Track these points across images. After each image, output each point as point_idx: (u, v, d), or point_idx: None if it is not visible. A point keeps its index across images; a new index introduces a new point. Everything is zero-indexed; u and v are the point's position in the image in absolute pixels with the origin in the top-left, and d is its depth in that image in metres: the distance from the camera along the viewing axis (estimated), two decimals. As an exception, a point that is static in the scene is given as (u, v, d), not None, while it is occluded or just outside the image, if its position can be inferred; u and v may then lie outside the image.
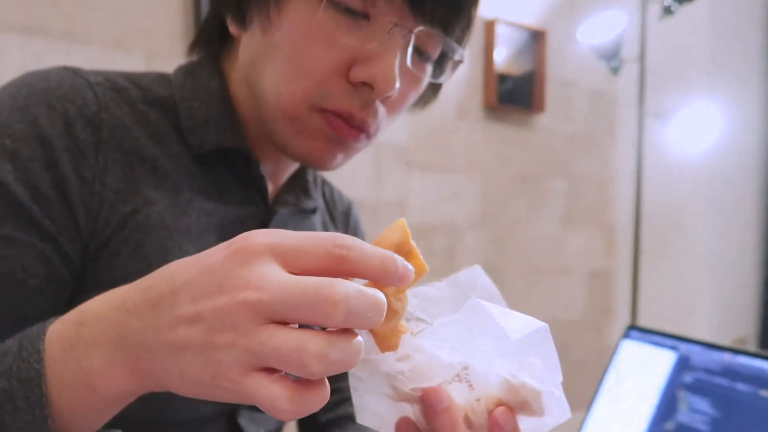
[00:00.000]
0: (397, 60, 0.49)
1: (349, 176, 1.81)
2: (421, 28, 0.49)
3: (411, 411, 0.37)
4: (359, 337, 0.29)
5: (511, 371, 0.34)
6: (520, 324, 0.32)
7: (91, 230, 0.48)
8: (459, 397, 0.35)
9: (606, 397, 0.90)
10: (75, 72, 0.50)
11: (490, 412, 0.35)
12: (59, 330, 0.34)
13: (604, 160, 2.41)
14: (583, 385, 2.11)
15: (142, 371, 0.31)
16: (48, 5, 1.38)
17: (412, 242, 0.33)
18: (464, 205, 2.06)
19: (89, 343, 0.32)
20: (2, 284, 0.44)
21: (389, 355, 0.33)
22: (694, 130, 1.97)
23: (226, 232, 0.54)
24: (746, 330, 2.31)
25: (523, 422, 0.35)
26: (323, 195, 0.71)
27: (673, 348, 0.85)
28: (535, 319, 0.32)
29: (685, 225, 2.22)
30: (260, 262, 0.28)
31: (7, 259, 0.44)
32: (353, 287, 0.28)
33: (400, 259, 0.30)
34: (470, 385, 0.34)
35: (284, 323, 0.28)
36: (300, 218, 0.63)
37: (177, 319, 0.29)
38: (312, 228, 0.65)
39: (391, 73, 0.48)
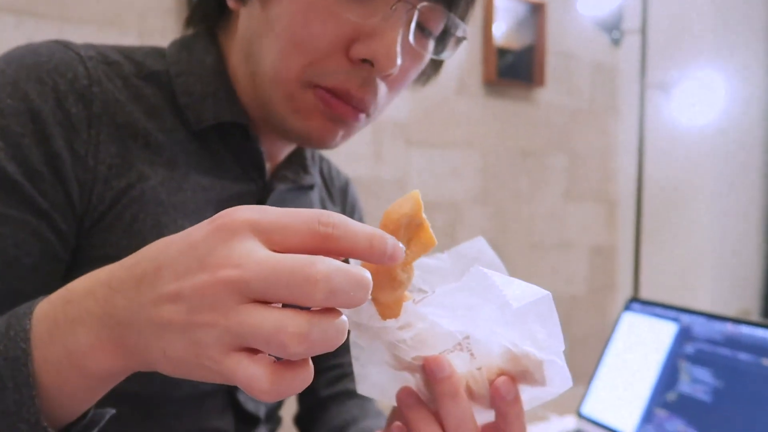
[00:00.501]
0: (399, 36, 0.47)
1: (349, 154, 1.80)
2: (424, 3, 0.48)
3: (412, 381, 0.37)
4: (343, 317, 0.28)
5: (513, 340, 0.33)
6: (523, 292, 0.31)
7: (85, 206, 0.47)
8: (460, 366, 0.34)
9: (608, 369, 0.90)
10: (66, 45, 0.50)
11: (491, 382, 0.34)
12: (46, 309, 0.33)
13: (606, 133, 2.39)
14: (586, 359, 2.12)
15: (128, 350, 0.31)
16: (38, -16, 1.36)
17: (423, 215, 0.32)
18: (465, 181, 2.05)
19: (75, 320, 0.32)
20: None
21: (391, 323, 0.32)
22: (697, 102, 1.94)
23: (223, 208, 0.53)
24: (749, 303, 2.31)
25: (525, 392, 0.35)
26: (321, 171, 0.71)
27: (675, 319, 0.85)
28: (538, 288, 0.32)
29: (688, 198, 2.21)
30: (242, 239, 0.28)
31: (1, 237, 0.43)
32: (335, 264, 0.27)
33: (390, 237, 0.30)
34: (472, 354, 0.34)
35: (267, 302, 0.27)
36: (298, 194, 0.63)
37: (159, 297, 0.29)
38: (309, 204, 0.65)
39: (394, 50, 0.47)
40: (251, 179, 0.56)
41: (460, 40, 0.54)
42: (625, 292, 2.35)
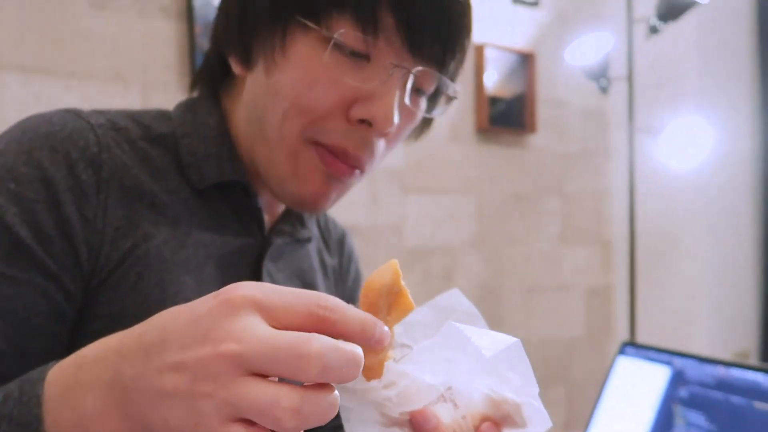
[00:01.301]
0: (396, 98, 0.51)
1: (345, 201, 1.81)
2: (419, 68, 0.51)
3: None
4: (335, 393, 0.30)
5: (491, 386, 0.35)
6: (493, 341, 0.34)
7: (93, 266, 0.49)
8: (445, 416, 0.36)
9: (604, 414, 0.90)
10: (77, 114, 0.52)
11: (476, 428, 0.36)
12: (58, 374, 0.35)
13: (598, 177, 2.43)
14: (585, 403, 2.10)
15: (132, 416, 0.32)
16: (47, 43, 1.41)
17: (402, 282, 0.35)
18: (460, 226, 2.08)
19: (86, 386, 0.33)
20: (6, 322, 0.45)
21: (375, 384, 0.34)
22: (685, 145, 1.99)
23: (224, 263, 0.56)
24: (747, 344, 2.30)
25: None
26: (318, 224, 0.73)
27: (668, 363, 0.86)
28: (507, 336, 0.34)
29: (681, 239, 2.23)
30: (244, 314, 0.29)
31: (11, 299, 0.45)
32: (329, 343, 0.28)
33: (379, 323, 0.32)
34: (455, 404, 0.36)
35: (265, 376, 0.29)
36: (295, 247, 0.65)
37: (165, 366, 0.30)
38: (307, 256, 0.67)
39: (391, 112, 0.50)
40: (250, 234, 0.58)
41: (450, 99, 0.58)
42: (623, 334, 2.35)
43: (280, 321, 0.30)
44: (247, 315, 0.29)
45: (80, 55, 1.44)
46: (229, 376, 0.28)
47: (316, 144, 0.53)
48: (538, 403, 0.36)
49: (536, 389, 0.35)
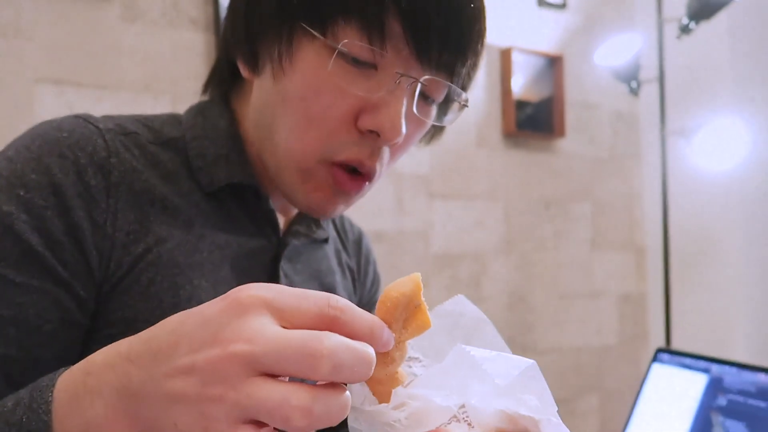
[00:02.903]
0: (403, 108, 0.50)
1: (372, 208, 1.83)
2: (426, 77, 0.50)
3: None
4: (347, 393, 0.29)
5: (507, 406, 0.34)
6: (507, 366, 0.32)
7: (104, 272, 0.49)
8: None
9: (639, 423, 0.88)
10: (85, 120, 0.52)
11: None
12: (68, 380, 0.35)
13: (630, 181, 2.38)
14: (619, 412, 2.05)
15: (141, 422, 0.32)
16: (79, 56, 1.45)
17: (422, 298, 0.34)
18: (488, 232, 2.06)
19: (94, 392, 0.33)
20: (18, 330, 0.45)
21: (384, 406, 0.33)
22: (719, 147, 1.94)
23: (239, 265, 0.56)
24: (790, 351, 2.22)
25: None
26: (334, 224, 0.72)
27: (705, 370, 0.83)
28: (522, 359, 0.33)
29: (717, 244, 2.17)
30: (254, 314, 0.29)
31: (23, 306, 0.45)
32: (340, 341, 0.28)
33: (386, 330, 0.31)
34: (470, 425, 0.34)
35: (275, 376, 0.28)
36: (312, 248, 0.65)
37: (174, 370, 0.30)
38: (325, 257, 0.66)
39: (398, 122, 0.49)
40: (265, 236, 0.58)
41: (462, 107, 0.56)
42: (658, 341, 2.29)
43: (290, 321, 0.30)
44: (257, 315, 0.29)
45: (111, 68, 1.48)
46: (239, 378, 0.28)
47: (331, 164, 0.52)
48: (557, 420, 0.34)
49: (555, 408, 0.34)
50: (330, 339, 0.28)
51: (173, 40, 1.55)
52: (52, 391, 0.35)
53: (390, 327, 0.32)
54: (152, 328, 0.33)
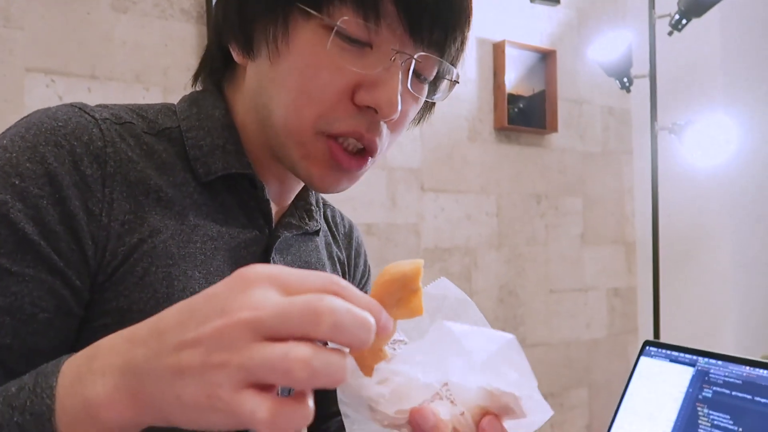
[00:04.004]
0: (399, 84, 0.51)
1: (364, 201, 1.83)
2: (421, 53, 0.52)
3: None
4: (349, 358, 0.30)
5: (489, 382, 0.35)
6: (487, 341, 0.33)
7: (99, 262, 0.49)
8: (444, 413, 0.35)
9: (625, 416, 0.89)
10: (81, 109, 0.52)
11: (477, 423, 0.35)
12: (72, 365, 0.36)
13: (620, 176, 2.40)
14: (608, 405, 2.07)
15: (142, 400, 0.32)
16: (70, 46, 1.43)
17: (420, 284, 0.35)
18: (479, 226, 2.06)
19: (97, 372, 0.34)
20: (13, 319, 0.45)
21: (368, 380, 0.34)
22: (709, 144, 1.95)
23: (231, 256, 0.56)
24: (777, 346, 2.25)
25: (508, 423, 0.36)
26: (325, 217, 0.73)
27: (691, 363, 0.84)
28: (501, 333, 0.34)
29: (706, 239, 2.19)
30: (260, 287, 0.30)
31: (18, 295, 0.45)
32: (342, 303, 0.29)
33: (384, 312, 0.33)
34: (452, 401, 0.35)
35: (279, 340, 0.29)
36: (303, 240, 0.65)
37: (180, 344, 0.31)
38: (315, 249, 0.67)
39: (395, 98, 0.51)
40: (257, 227, 0.59)
41: (454, 84, 0.58)
42: (647, 335, 2.31)
43: (293, 294, 0.31)
44: (263, 287, 0.30)
45: (102, 58, 1.47)
46: (244, 343, 0.29)
47: (328, 137, 0.53)
48: (538, 395, 0.35)
49: (534, 382, 0.35)
50: (331, 298, 0.29)
51: (165, 31, 1.54)
52: (56, 377, 0.35)
53: (382, 302, 0.33)
54: (157, 315, 0.34)
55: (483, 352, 0.33)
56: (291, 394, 0.31)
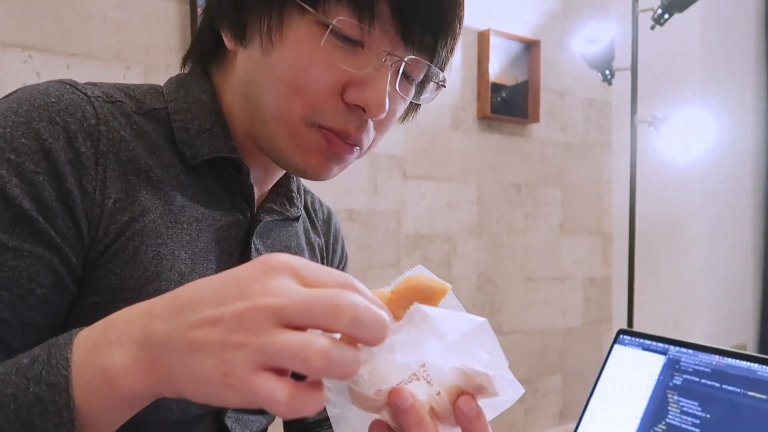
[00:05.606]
0: (387, 85, 0.52)
1: (346, 187, 1.83)
2: (411, 56, 0.53)
3: (383, 418, 0.39)
4: (360, 353, 0.31)
5: (462, 362, 0.36)
6: (459, 323, 0.35)
7: (92, 239, 0.49)
8: (421, 394, 0.37)
9: (598, 402, 0.91)
10: (73, 86, 0.52)
11: (452, 402, 0.37)
12: (86, 335, 0.36)
13: (600, 168, 2.42)
14: (582, 392, 2.11)
15: (158, 371, 0.33)
16: (48, 21, 1.40)
17: (438, 305, 0.37)
18: (460, 214, 2.08)
19: (114, 343, 0.35)
20: (11, 293, 0.45)
21: None
22: (687, 137, 1.98)
23: (215, 238, 0.57)
24: (745, 337, 2.31)
25: (483, 402, 0.37)
26: (304, 203, 0.74)
27: (663, 351, 0.86)
28: (473, 316, 0.35)
29: (681, 231, 2.23)
30: (282, 276, 0.32)
31: (16, 270, 0.45)
32: (362, 299, 0.31)
33: (390, 314, 0.35)
34: (429, 382, 0.36)
35: (298, 329, 0.31)
36: (284, 225, 0.66)
37: (200, 320, 0.32)
38: (295, 234, 0.68)
39: (383, 99, 0.52)
40: (240, 211, 0.59)
41: (439, 86, 0.59)
42: (620, 324, 2.35)
43: (313, 286, 0.32)
44: (285, 276, 0.32)
45: (81, 35, 1.44)
46: (264, 326, 0.30)
47: (320, 127, 0.54)
48: (510, 375, 0.37)
49: (506, 363, 0.37)
50: (353, 294, 0.31)
51: (146, 9, 1.52)
52: (71, 348, 0.36)
53: (397, 301, 0.35)
54: (171, 291, 0.35)
55: (455, 334, 0.35)
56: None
